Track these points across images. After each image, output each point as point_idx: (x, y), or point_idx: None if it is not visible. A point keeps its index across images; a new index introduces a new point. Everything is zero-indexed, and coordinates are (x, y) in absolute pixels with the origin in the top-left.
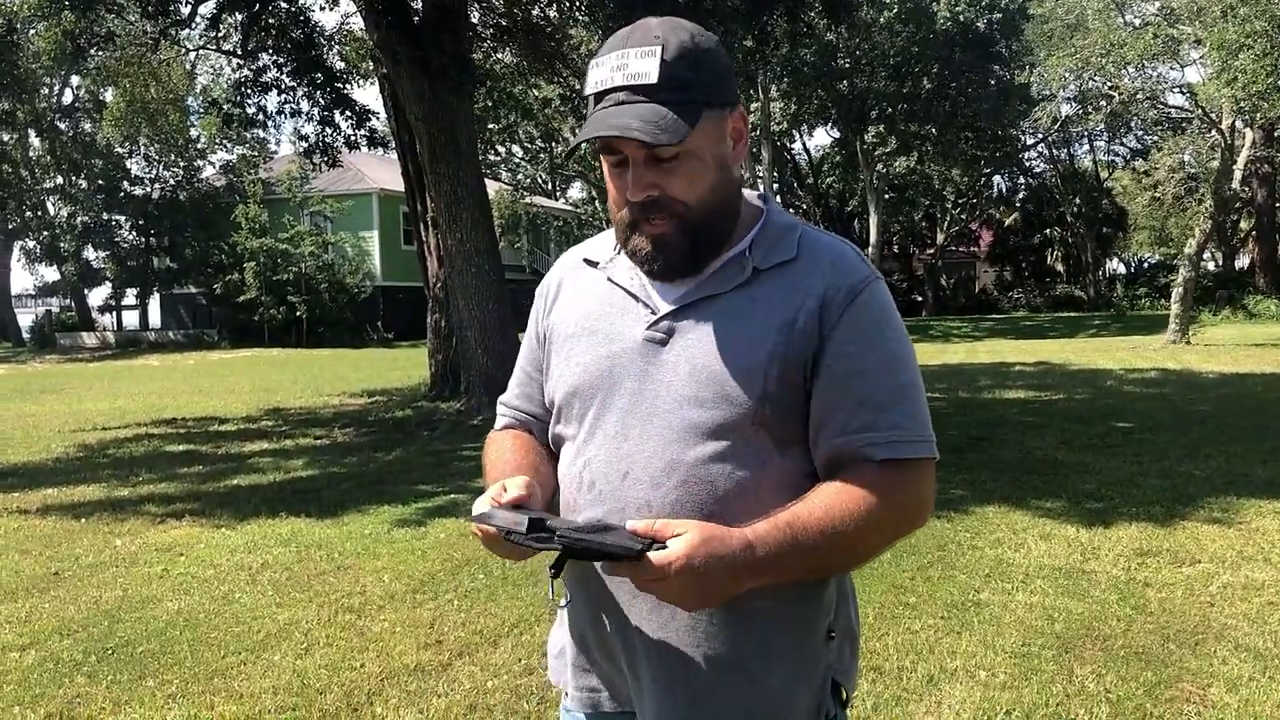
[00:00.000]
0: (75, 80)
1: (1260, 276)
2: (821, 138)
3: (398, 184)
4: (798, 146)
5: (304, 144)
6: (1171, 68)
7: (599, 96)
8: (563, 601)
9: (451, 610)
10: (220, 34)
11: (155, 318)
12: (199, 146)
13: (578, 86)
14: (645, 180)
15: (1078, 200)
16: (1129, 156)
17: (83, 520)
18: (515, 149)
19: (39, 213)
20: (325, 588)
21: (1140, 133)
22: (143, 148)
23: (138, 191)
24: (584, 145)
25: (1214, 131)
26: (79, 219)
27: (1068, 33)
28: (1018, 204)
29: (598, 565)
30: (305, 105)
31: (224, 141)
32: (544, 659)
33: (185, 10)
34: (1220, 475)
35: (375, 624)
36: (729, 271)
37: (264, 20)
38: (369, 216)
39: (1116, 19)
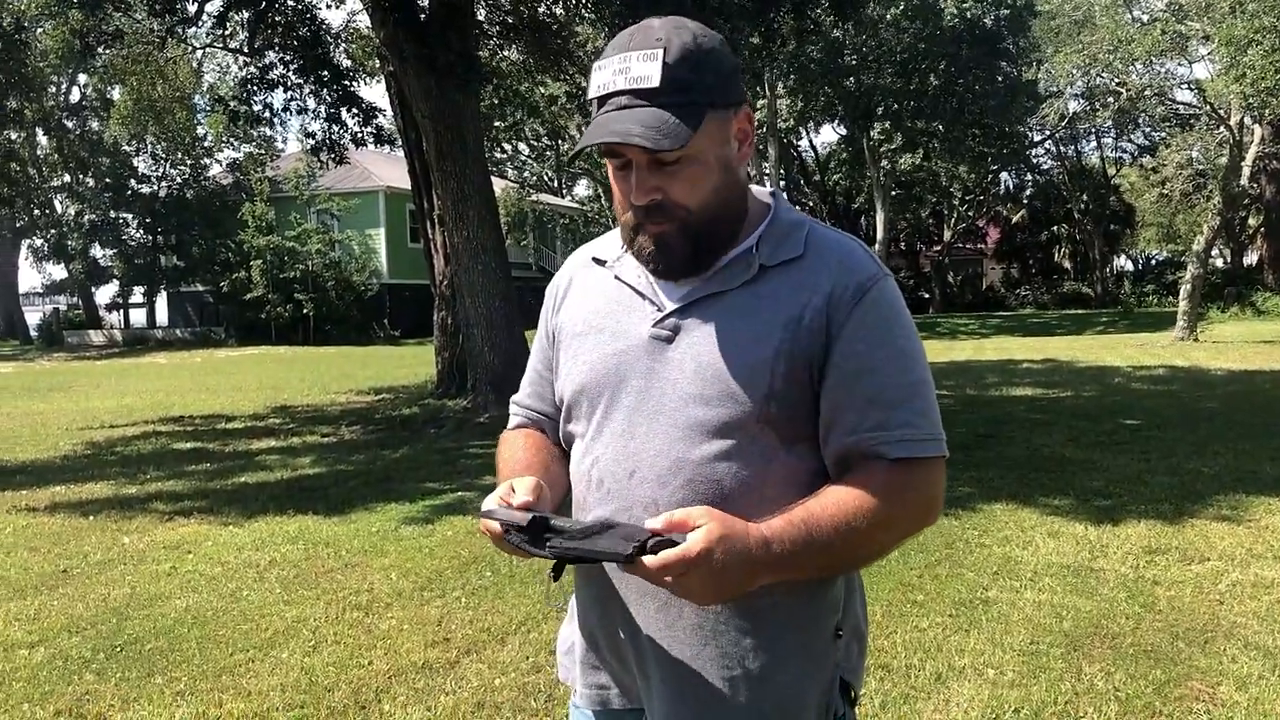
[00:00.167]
0: (82, 78)
1: (1269, 273)
2: (828, 134)
3: (404, 182)
4: (804, 143)
5: (311, 141)
6: (1179, 64)
7: (602, 100)
8: (559, 602)
9: (459, 608)
10: (227, 32)
11: (162, 316)
12: (206, 145)
13: (584, 84)
14: (648, 184)
15: (1085, 197)
16: (1137, 153)
17: (91, 518)
18: (521, 146)
19: (46, 211)
20: (333, 585)
21: (1148, 129)
22: (150, 146)
23: (145, 190)
24: (588, 146)
25: (1222, 128)
26: (86, 217)
27: (1075, 29)
28: (1025, 201)
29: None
30: (311, 103)
31: (231, 139)
32: (552, 656)
33: (192, 8)
34: (1229, 472)
35: (383, 621)
36: (736, 268)
37: (270, 18)
38: (375, 214)
39: (1124, 15)
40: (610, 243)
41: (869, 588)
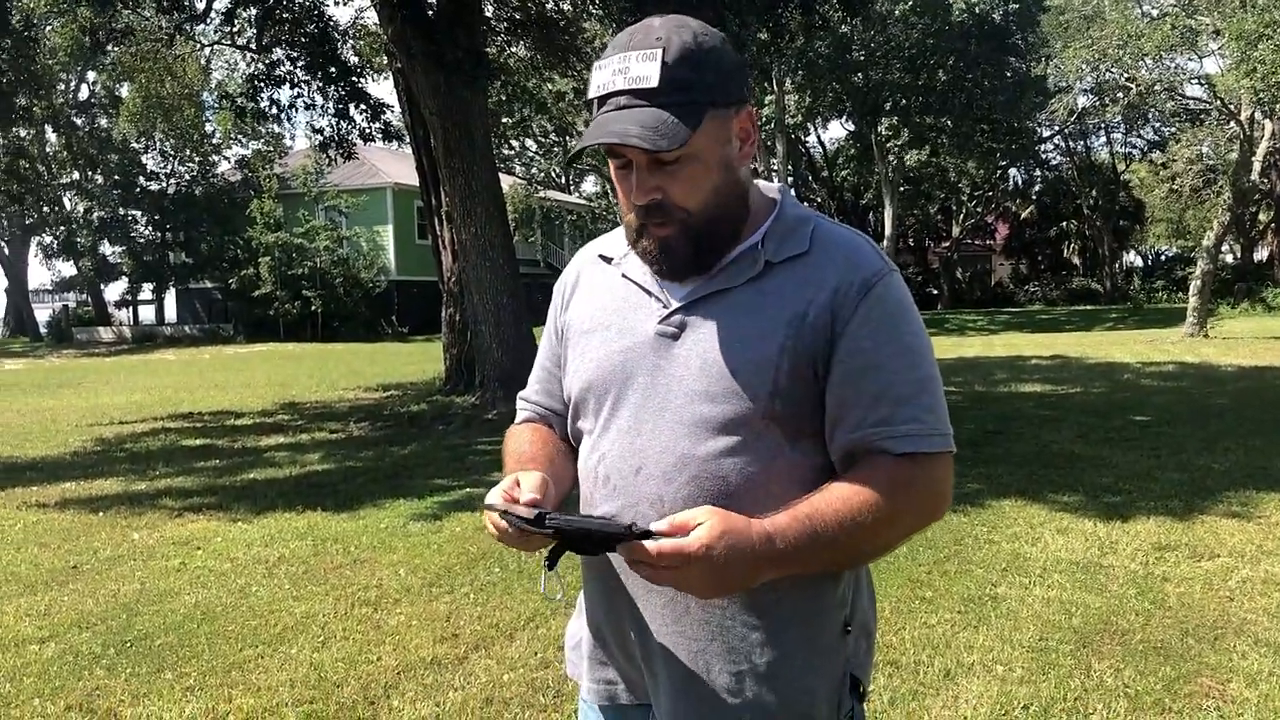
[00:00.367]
0: (91, 76)
1: (1279, 269)
2: (836, 131)
3: (412, 178)
4: (812, 139)
5: (319, 137)
6: (1189, 59)
7: (601, 100)
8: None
9: (467, 604)
10: (235, 29)
11: (171, 312)
12: (214, 142)
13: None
14: (649, 184)
15: (1094, 193)
16: (1146, 148)
17: (100, 514)
18: (529, 143)
19: (56, 208)
20: (342, 581)
21: (1158, 124)
22: (158, 143)
23: (153, 187)
24: (589, 147)
25: (1232, 123)
26: (95, 214)
27: (1084, 24)
28: (1034, 197)
29: (612, 557)
30: (319, 99)
31: (239, 136)
32: (560, 652)
33: (200, 5)
34: (1239, 469)
35: (391, 617)
36: (741, 265)
37: (278, 15)
38: (383, 211)
39: (1134, 10)
40: (617, 240)
41: (878, 584)
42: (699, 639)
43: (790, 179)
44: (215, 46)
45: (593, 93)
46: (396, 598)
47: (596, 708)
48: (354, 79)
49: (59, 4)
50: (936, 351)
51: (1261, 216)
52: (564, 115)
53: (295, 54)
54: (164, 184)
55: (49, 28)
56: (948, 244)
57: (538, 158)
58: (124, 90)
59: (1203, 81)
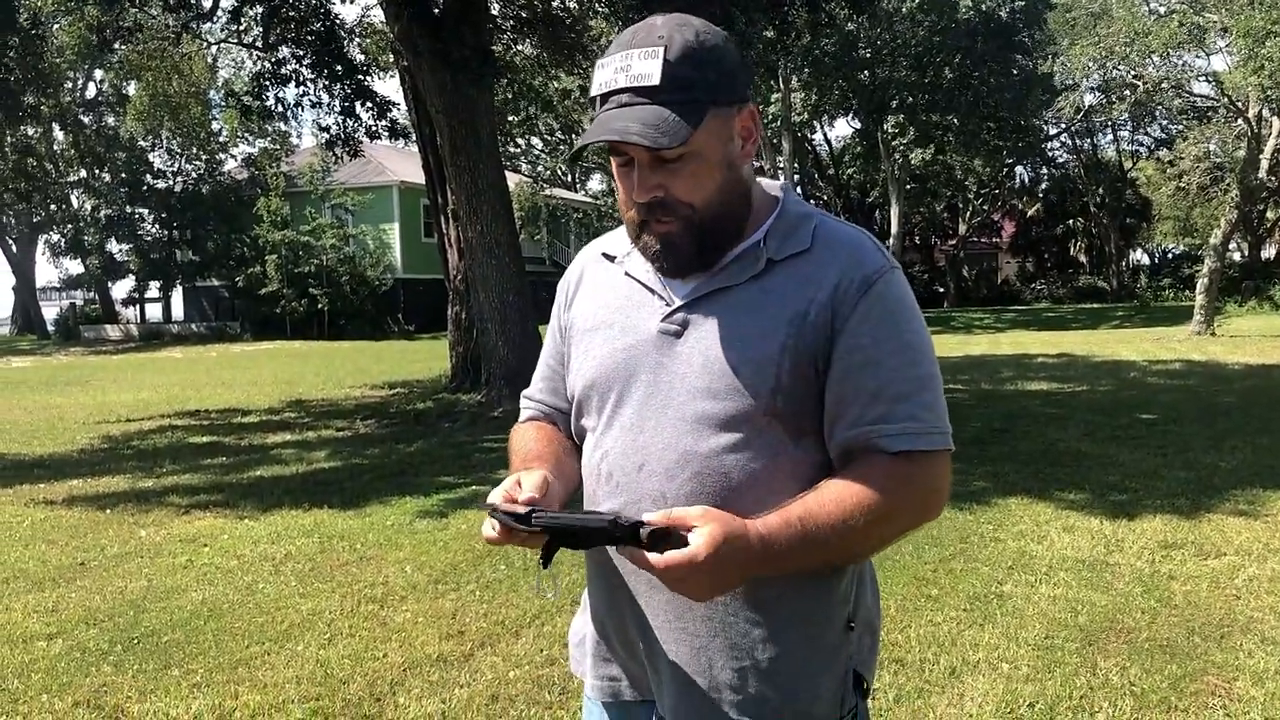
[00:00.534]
0: (99, 74)
1: None
2: (842, 128)
3: (418, 177)
4: (819, 137)
5: (325, 135)
6: (1197, 56)
7: (604, 98)
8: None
9: (473, 601)
10: (241, 27)
11: (178, 310)
12: (221, 140)
13: None
14: (650, 182)
15: (1101, 190)
16: (1153, 146)
17: (108, 511)
18: (535, 141)
19: (63, 206)
20: (348, 578)
21: (1165, 122)
22: (165, 141)
23: (160, 185)
24: (592, 145)
25: (1240, 120)
26: (103, 212)
27: (1091, 21)
28: (1040, 194)
29: (613, 554)
30: (325, 97)
31: (246, 135)
32: (566, 649)
33: (207, 4)
34: (1246, 467)
35: (398, 614)
36: (744, 263)
37: (284, 13)
38: (390, 209)
39: (1141, 7)
40: (620, 238)
41: (883, 582)
42: (701, 635)
43: (796, 176)
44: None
45: (595, 91)
46: (403, 595)
47: (600, 704)
48: (360, 77)
49: (66, 2)
50: (943, 349)
51: (1269, 214)
52: (570, 113)
53: (301, 52)
54: (171, 182)
55: (56, 26)
56: (954, 242)
57: (544, 155)
58: (131, 88)
59: (1210, 79)
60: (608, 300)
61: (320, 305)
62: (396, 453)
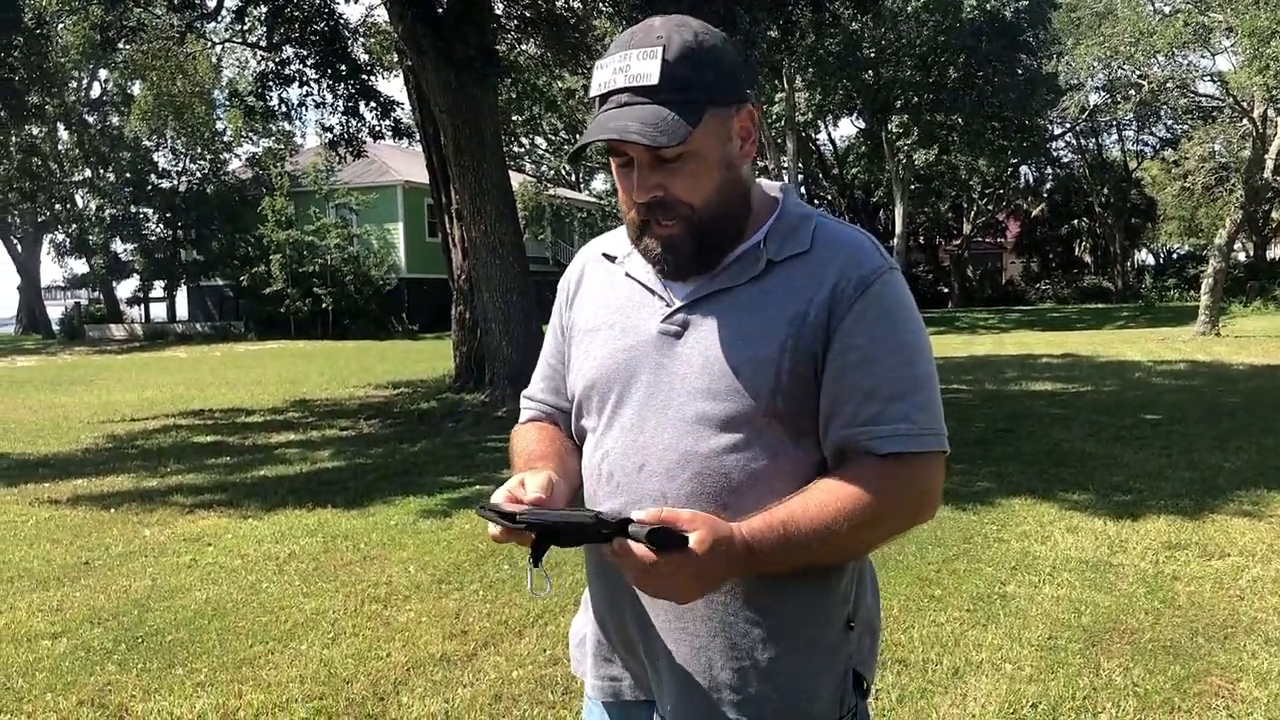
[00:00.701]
0: (103, 74)
1: None
2: (847, 128)
3: (422, 176)
4: (823, 137)
5: (329, 135)
6: (1202, 55)
7: (603, 98)
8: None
9: (477, 600)
10: (245, 27)
11: (182, 310)
12: (225, 139)
13: None
14: (650, 181)
15: (1106, 190)
16: (1158, 146)
17: (112, 510)
18: (539, 141)
19: (68, 206)
20: (352, 578)
21: (1170, 122)
22: (170, 141)
23: (165, 184)
24: (592, 145)
25: (1245, 120)
26: (107, 212)
27: (1096, 21)
28: (1045, 194)
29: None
30: (329, 97)
31: (250, 134)
32: (568, 649)
33: (211, 3)
34: (1250, 468)
35: (401, 614)
36: (744, 264)
37: (288, 13)
38: (394, 209)
39: (1146, 6)
40: (620, 238)
41: (887, 582)
42: (701, 635)
43: (801, 176)
44: (226, 44)
45: (594, 91)
46: (406, 594)
47: (601, 704)
48: (364, 77)
49: (71, 2)
50: (947, 349)
51: (1274, 214)
52: (574, 113)
53: (305, 52)
54: (175, 182)
55: (61, 26)
56: (958, 242)
57: (548, 155)
58: (135, 88)
59: (1215, 79)
60: (608, 300)
61: (324, 305)
62: (400, 452)
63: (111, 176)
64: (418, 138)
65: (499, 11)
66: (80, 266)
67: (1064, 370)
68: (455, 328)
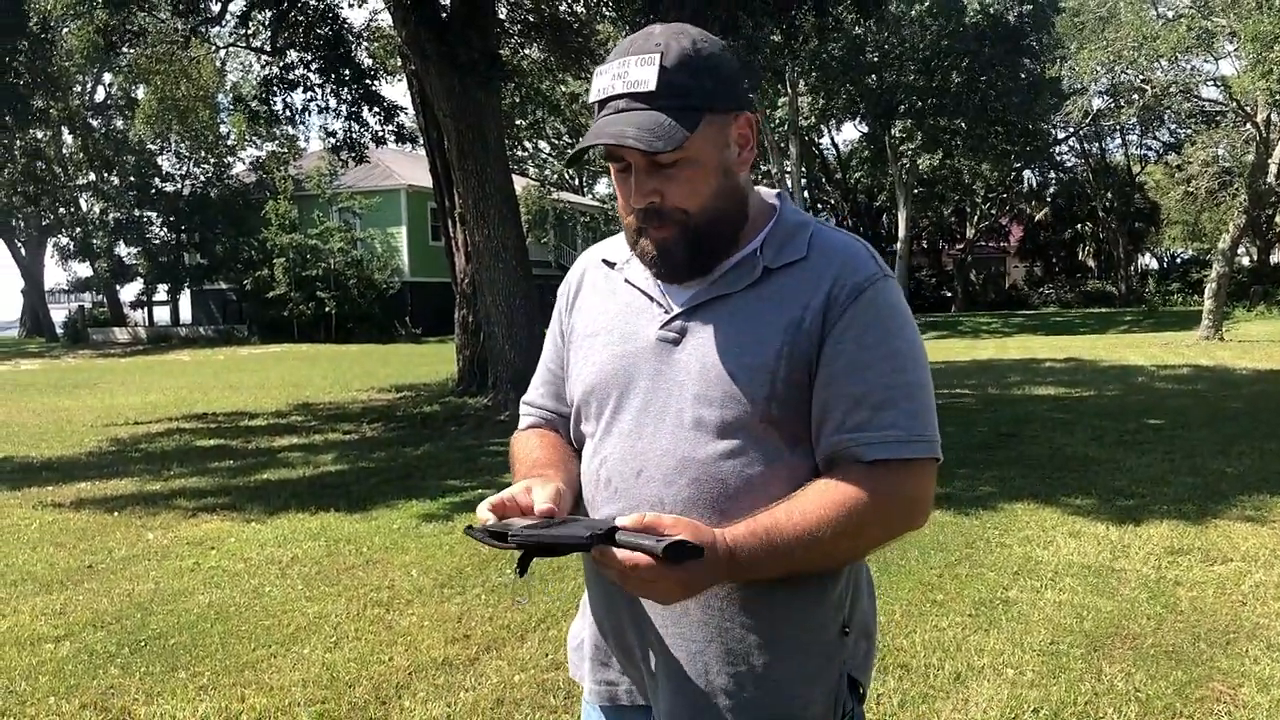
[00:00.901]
0: (107, 78)
1: None
2: (850, 133)
3: (426, 180)
4: (826, 141)
5: (332, 140)
6: (1205, 60)
7: (602, 104)
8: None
9: (479, 605)
10: (249, 31)
11: (186, 313)
12: (229, 143)
13: None
14: (647, 186)
15: (1109, 195)
16: (1161, 150)
17: (115, 514)
18: (543, 145)
19: (72, 209)
20: (354, 582)
21: (1173, 126)
22: (174, 144)
23: (169, 188)
24: (593, 149)
25: (1248, 125)
26: (111, 215)
27: (1099, 25)
28: (1048, 199)
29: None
30: (333, 102)
31: (254, 138)
32: (568, 653)
33: (215, 7)
34: (1253, 473)
35: (403, 618)
36: (741, 271)
37: (292, 17)
38: (397, 212)
39: (1149, 11)
40: (620, 244)
41: (889, 587)
42: (697, 640)
43: (803, 181)
44: (230, 49)
45: (593, 97)
46: (408, 598)
47: (598, 708)
48: (368, 81)
49: (75, 6)
50: (949, 354)
51: (1278, 219)
52: (577, 117)
53: (309, 57)
54: (179, 185)
55: (65, 30)
56: (962, 246)
57: (551, 159)
58: (140, 92)
59: (1219, 83)
60: (607, 307)
61: (327, 308)
62: (403, 456)
63: (116, 180)
64: (421, 142)
65: (503, 16)
66: (84, 270)
67: (1067, 375)
68: (458, 331)
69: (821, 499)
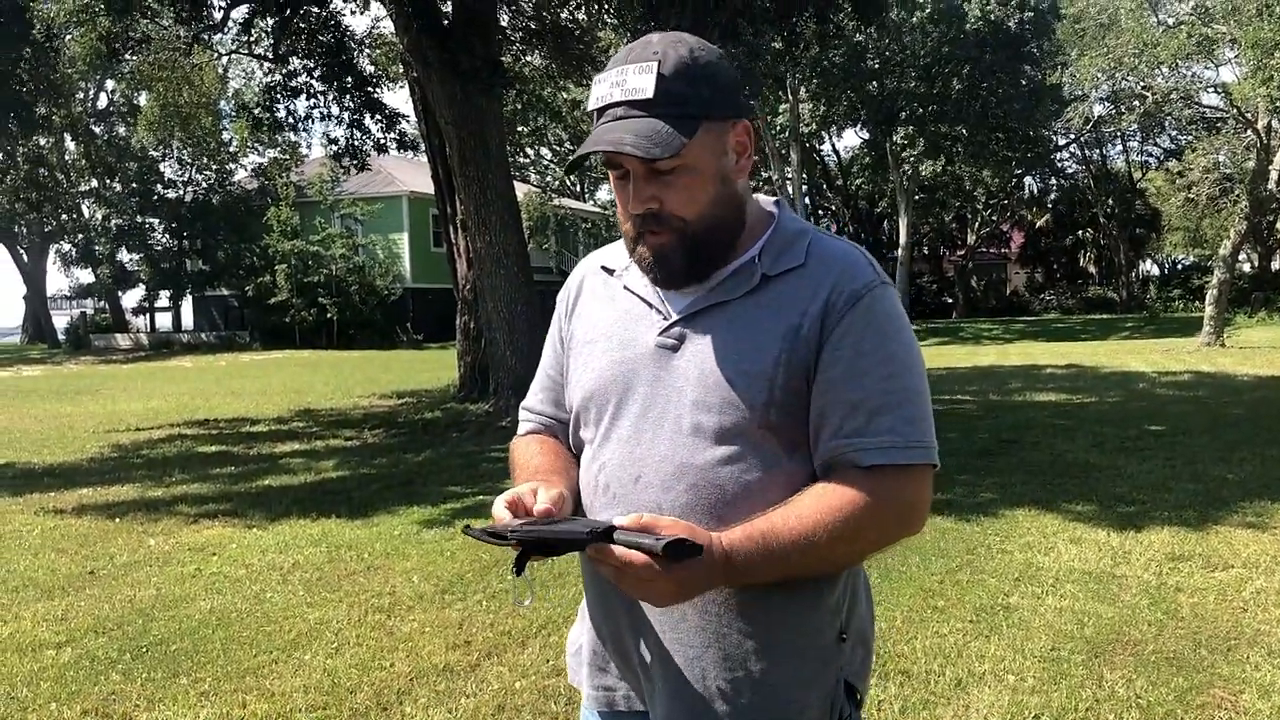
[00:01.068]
0: (110, 84)
1: None
2: (851, 139)
3: (428, 187)
4: (827, 148)
5: (334, 147)
6: (1206, 67)
7: (600, 112)
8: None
9: (480, 611)
10: (252, 38)
11: (188, 319)
12: (231, 150)
13: None
14: (645, 193)
15: (1110, 201)
16: (1162, 157)
17: (117, 520)
18: (544, 151)
19: (74, 216)
20: (355, 588)
21: (1174, 133)
22: (176, 151)
23: (171, 194)
24: (593, 156)
25: (1249, 131)
26: (113, 222)
27: (1100, 32)
28: (1049, 205)
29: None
30: (335, 109)
31: (256, 145)
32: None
33: (218, 15)
34: (1254, 479)
35: (405, 624)
36: (739, 278)
37: (295, 24)
38: (399, 219)
39: (1150, 18)
40: (619, 251)
41: (889, 592)
42: (695, 646)
43: (805, 187)
44: (232, 56)
45: (592, 105)
46: (410, 605)
47: (596, 713)
48: (369, 88)
49: (78, 13)
50: (950, 360)
51: (1279, 225)
52: (579, 123)
53: (312, 63)
54: (181, 192)
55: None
56: (963, 252)
57: (552, 166)
58: (142, 99)
59: (1219, 90)
60: (607, 313)
61: (329, 315)
62: (404, 462)
63: (118, 186)
64: (422, 149)
65: (504, 23)
66: (86, 276)
67: (1068, 381)
68: (460, 338)
69: (818, 504)
